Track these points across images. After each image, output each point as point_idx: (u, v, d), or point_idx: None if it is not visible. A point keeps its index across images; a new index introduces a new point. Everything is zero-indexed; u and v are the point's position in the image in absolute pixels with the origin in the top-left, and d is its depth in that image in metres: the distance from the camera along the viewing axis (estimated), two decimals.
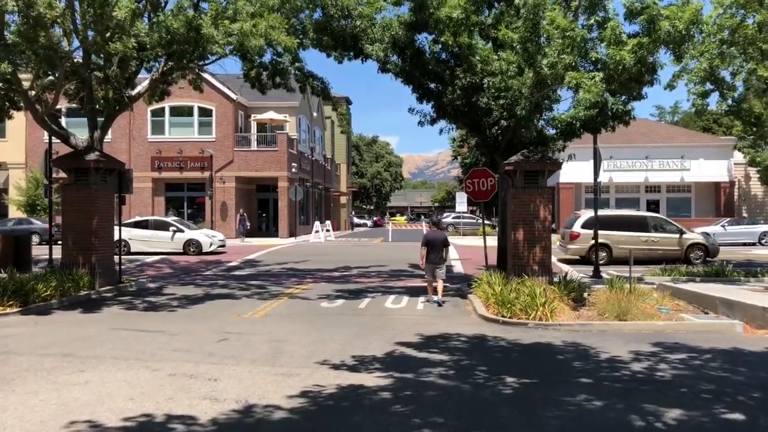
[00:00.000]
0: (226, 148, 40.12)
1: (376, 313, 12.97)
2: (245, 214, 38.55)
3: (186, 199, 41.21)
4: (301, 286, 17.53)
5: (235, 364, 8.38)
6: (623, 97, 13.67)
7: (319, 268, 22.41)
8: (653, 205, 46.30)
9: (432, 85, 16.28)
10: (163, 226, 28.86)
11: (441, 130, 17.55)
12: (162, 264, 24.42)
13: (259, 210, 44.23)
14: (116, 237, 17.61)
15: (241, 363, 8.43)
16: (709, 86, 18.34)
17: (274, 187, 41.55)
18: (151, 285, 17.70)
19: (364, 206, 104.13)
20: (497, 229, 19.81)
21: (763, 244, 33.65)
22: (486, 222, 19.44)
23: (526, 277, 13.58)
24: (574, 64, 12.45)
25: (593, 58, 12.85)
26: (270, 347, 9.47)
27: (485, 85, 14.77)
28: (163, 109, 39.41)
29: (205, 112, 40.37)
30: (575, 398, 6.79)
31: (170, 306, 13.91)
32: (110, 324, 11.58)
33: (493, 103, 14.89)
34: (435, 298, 14.15)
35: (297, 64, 17.17)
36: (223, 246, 29.91)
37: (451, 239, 15.43)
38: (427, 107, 16.80)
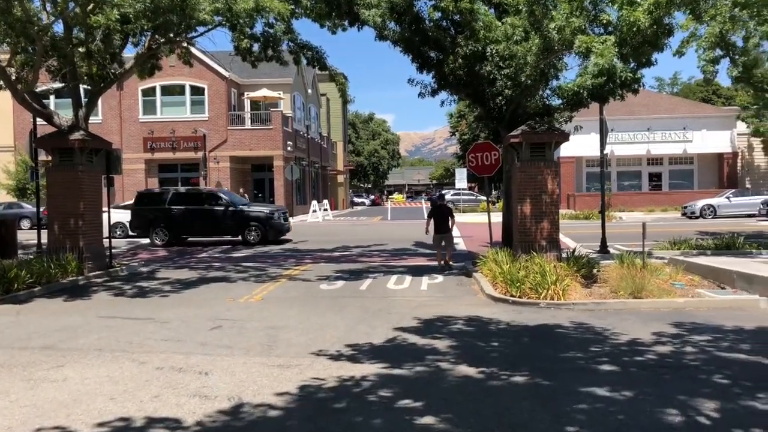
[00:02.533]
0: (219, 127, 39.26)
1: (379, 295, 12.35)
2: (246, 195, 37.60)
3: (180, 180, 40.39)
4: (299, 267, 16.91)
5: (228, 354, 7.77)
6: (632, 65, 13.01)
7: (317, 248, 21.77)
8: (656, 178, 45.69)
9: (432, 54, 15.45)
10: None
11: (442, 102, 16.84)
12: (157, 246, 23.74)
13: (255, 190, 43.41)
14: (114, 220, 16.90)
15: (235, 353, 7.81)
16: (719, 52, 17.64)
17: (269, 167, 40.75)
18: (144, 269, 17.05)
19: (361, 185, 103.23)
20: (498, 204, 19.15)
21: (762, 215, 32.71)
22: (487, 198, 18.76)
23: (534, 253, 12.95)
24: (583, 27, 11.74)
25: (604, 21, 12.12)
26: (266, 335, 8.85)
27: (488, 53, 13.98)
28: (154, 88, 38.51)
29: (197, 91, 39.44)
30: (601, 388, 6.16)
31: (162, 291, 13.27)
32: (97, 312, 10.94)
33: (496, 71, 14.15)
34: (441, 265, 15.45)
35: (289, 35, 16.31)
36: None
37: None
38: (428, 77, 16.00)
